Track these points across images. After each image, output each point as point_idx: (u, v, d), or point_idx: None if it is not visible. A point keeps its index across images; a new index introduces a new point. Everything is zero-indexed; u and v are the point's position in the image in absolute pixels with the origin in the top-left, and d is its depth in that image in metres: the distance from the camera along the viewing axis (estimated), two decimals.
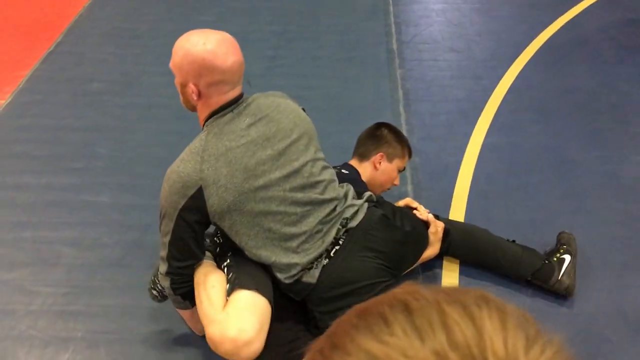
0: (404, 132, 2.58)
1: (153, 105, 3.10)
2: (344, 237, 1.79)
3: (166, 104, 3.02)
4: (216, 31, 1.70)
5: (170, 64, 1.71)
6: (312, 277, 1.74)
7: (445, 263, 2.23)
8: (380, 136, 2.28)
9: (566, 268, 2.08)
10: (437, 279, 2.17)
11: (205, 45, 1.64)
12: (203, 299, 1.68)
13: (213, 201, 1.65)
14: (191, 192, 1.64)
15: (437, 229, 2.10)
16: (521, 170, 2.66)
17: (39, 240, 2.34)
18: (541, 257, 2.12)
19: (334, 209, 1.80)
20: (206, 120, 1.73)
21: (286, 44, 3.70)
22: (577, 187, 2.57)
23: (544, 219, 2.40)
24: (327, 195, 1.78)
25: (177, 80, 1.72)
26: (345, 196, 1.87)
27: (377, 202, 1.95)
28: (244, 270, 1.74)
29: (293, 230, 1.71)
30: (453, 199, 2.52)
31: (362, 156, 2.28)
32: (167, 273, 1.74)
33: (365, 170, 2.25)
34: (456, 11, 4.00)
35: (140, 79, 3.34)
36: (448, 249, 2.17)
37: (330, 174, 1.85)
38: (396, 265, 1.86)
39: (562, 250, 2.13)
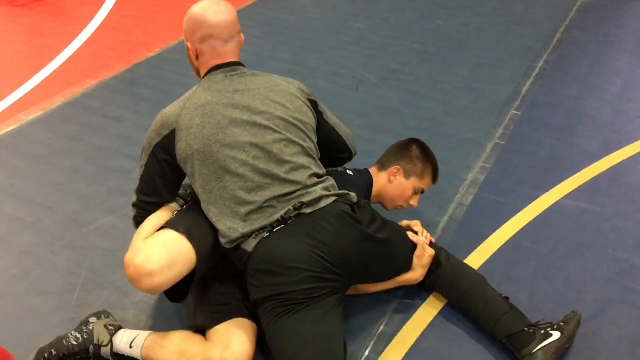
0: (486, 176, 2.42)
1: None
2: (293, 219, 1.75)
3: None
4: None
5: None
6: (249, 246, 1.72)
7: (430, 298, 2.05)
8: (406, 150, 2.18)
9: (547, 344, 1.79)
10: (412, 310, 2.01)
11: (200, 6, 1.82)
12: (137, 229, 1.79)
13: (180, 145, 1.75)
14: (166, 132, 1.77)
15: (423, 253, 1.95)
16: (576, 241, 2.32)
17: None
18: (525, 323, 1.85)
19: (294, 192, 1.77)
20: (203, 77, 1.86)
21: (417, 62, 3.66)
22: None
23: (576, 297, 2.07)
24: (290, 177, 1.76)
25: (186, 47, 1.89)
26: (314, 185, 1.82)
27: (355, 203, 1.86)
28: (188, 217, 1.80)
29: (245, 196, 1.73)
30: (484, 242, 2.30)
31: (382, 165, 2.20)
32: (134, 205, 1.88)
33: (379, 180, 2.16)
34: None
35: None
36: (436, 282, 2.00)
37: (307, 161, 1.81)
38: (342, 264, 1.73)
39: (555, 327, 1.84)
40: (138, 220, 1.87)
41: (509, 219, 2.43)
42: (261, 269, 1.71)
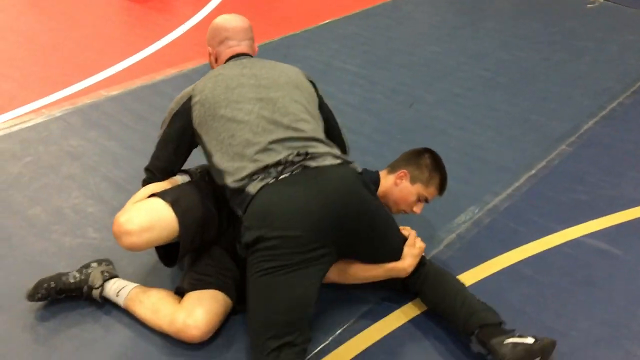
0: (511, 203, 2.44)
1: None
2: (298, 170, 1.79)
3: None
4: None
5: None
6: (254, 188, 1.77)
7: (408, 304, 2.08)
8: (417, 157, 2.24)
9: (519, 342, 1.76)
10: (386, 312, 2.05)
11: (220, 18, 2.21)
12: (135, 193, 2.01)
13: (195, 107, 1.96)
14: (184, 100, 2.01)
15: (414, 243, 2.00)
16: (582, 279, 2.24)
17: None
18: (499, 320, 1.86)
19: (298, 139, 1.86)
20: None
21: (481, 89, 3.65)
22: None
23: (562, 330, 2.02)
24: (294, 125, 1.88)
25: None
26: (320, 142, 1.89)
27: (359, 173, 1.90)
28: (181, 189, 1.97)
29: (251, 137, 1.84)
30: (484, 263, 2.29)
31: (392, 168, 2.26)
32: (146, 168, 2.11)
33: (386, 182, 2.23)
34: None
35: None
36: (422, 280, 2.02)
37: (311, 119, 1.95)
38: (337, 227, 1.76)
39: (531, 338, 1.80)
40: (145, 184, 2.09)
41: (519, 246, 2.40)
42: (259, 211, 1.75)
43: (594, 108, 3.46)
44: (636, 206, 2.66)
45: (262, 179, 1.78)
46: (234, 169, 1.83)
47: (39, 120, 3.12)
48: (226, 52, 2.16)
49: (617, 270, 2.30)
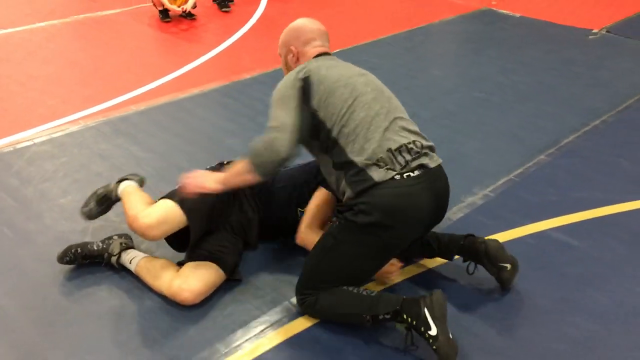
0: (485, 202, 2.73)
1: None
2: (417, 169, 2.07)
3: None
4: None
5: (278, 51, 2.39)
6: (378, 176, 2.02)
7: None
8: None
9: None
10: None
11: (298, 21, 2.37)
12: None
13: (313, 85, 2.12)
14: (299, 84, 2.12)
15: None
16: (536, 262, 2.51)
17: None
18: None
19: (409, 130, 2.15)
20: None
21: (474, 107, 3.96)
22: None
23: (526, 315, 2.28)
24: (401, 115, 2.18)
25: (282, 59, 2.37)
26: (419, 135, 2.19)
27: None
28: (197, 198, 2.27)
29: (374, 119, 2.09)
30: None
31: None
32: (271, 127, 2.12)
33: None
34: None
35: None
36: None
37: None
38: (429, 227, 2.26)
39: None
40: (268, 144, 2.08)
41: (486, 236, 2.67)
42: (387, 206, 2.02)
43: (577, 124, 3.73)
44: (601, 206, 2.92)
45: (388, 169, 2.03)
46: (359, 147, 2.05)
47: (75, 128, 3.58)
48: (312, 52, 2.28)
49: (572, 258, 2.56)
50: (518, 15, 5.94)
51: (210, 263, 2.30)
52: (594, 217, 2.84)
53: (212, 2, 5.99)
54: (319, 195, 2.45)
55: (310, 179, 2.50)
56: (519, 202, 2.94)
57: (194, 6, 5.54)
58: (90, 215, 2.57)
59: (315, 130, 2.12)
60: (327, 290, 2.12)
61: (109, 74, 4.43)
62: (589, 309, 2.27)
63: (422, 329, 1.95)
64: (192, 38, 5.23)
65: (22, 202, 2.88)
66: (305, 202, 2.47)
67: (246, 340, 2.11)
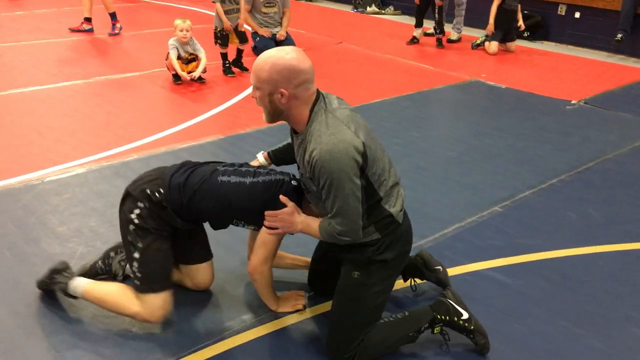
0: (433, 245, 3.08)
1: None
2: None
3: None
4: (285, 46, 2.24)
5: (255, 82, 2.19)
6: (400, 217, 2.35)
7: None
8: None
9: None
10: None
11: (288, 55, 2.14)
12: None
13: (370, 161, 2.22)
14: (359, 157, 2.14)
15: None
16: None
17: None
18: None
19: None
20: (311, 111, 2.21)
21: (444, 164, 4.33)
22: None
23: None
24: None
25: (263, 94, 2.18)
26: None
27: None
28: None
29: (393, 172, 2.41)
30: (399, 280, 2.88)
31: None
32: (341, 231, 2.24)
33: None
34: None
35: None
36: None
37: None
38: None
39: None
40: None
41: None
42: (404, 238, 2.42)
43: (535, 182, 4.06)
44: (539, 252, 3.20)
45: (402, 210, 2.39)
46: (393, 200, 2.33)
47: (80, 171, 4.03)
48: (307, 94, 2.19)
49: (501, 293, 2.84)
50: (504, 86, 6.37)
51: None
52: (530, 260, 3.13)
53: (222, 74, 6.52)
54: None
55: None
56: (465, 245, 3.25)
57: (204, 71, 6.09)
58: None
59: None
60: (369, 335, 2.32)
61: (118, 126, 4.92)
62: (509, 337, 2.55)
63: (456, 318, 2.40)
64: (198, 98, 5.75)
65: (23, 229, 3.28)
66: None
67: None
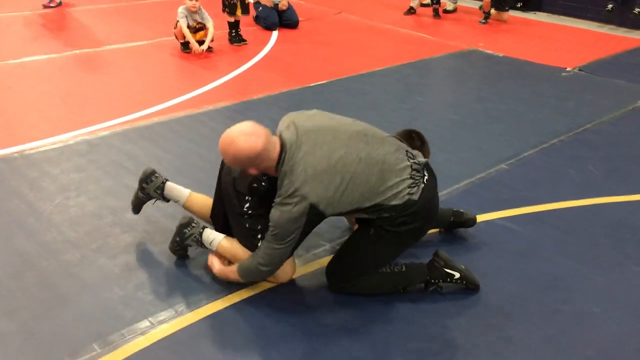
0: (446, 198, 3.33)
1: None
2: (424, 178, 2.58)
3: None
4: (240, 124, 2.45)
5: (230, 164, 2.52)
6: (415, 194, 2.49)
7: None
8: (408, 136, 3.09)
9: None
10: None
11: (246, 142, 2.36)
12: None
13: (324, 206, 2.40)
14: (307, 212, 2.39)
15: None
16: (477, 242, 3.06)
17: None
18: None
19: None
20: (278, 162, 2.41)
21: (449, 127, 4.57)
22: None
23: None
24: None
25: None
26: None
27: None
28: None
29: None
30: None
31: None
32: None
33: None
34: None
35: None
36: None
37: None
38: None
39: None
40: None
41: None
42: (421, 214, 2.54)
43: (537, 142, 4.32)
44: (544, 203, 3.47)
45: (411, 193, 2.54)
46: (393, 196, 2.48)
47: (106, 134, 4.22)
48: (277, 147, 2.41)
49: (512, 238, 3.11)
50: (501, 55, 6.60)
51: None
52: (536, 211, 3.40)
53: (228, 43, 6.67)
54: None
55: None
56: (475, 199, 3.51)
57: (212, 39, 6.24)
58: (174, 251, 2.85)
59: None
60: (365, 278, 2.61)
61: (136, 92, 5.10)
62: (520, 276, 2.83)
63: (449, 279, 2.64)
64: (208, 66, 5.91)
65: (59, 186, 3.49)
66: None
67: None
